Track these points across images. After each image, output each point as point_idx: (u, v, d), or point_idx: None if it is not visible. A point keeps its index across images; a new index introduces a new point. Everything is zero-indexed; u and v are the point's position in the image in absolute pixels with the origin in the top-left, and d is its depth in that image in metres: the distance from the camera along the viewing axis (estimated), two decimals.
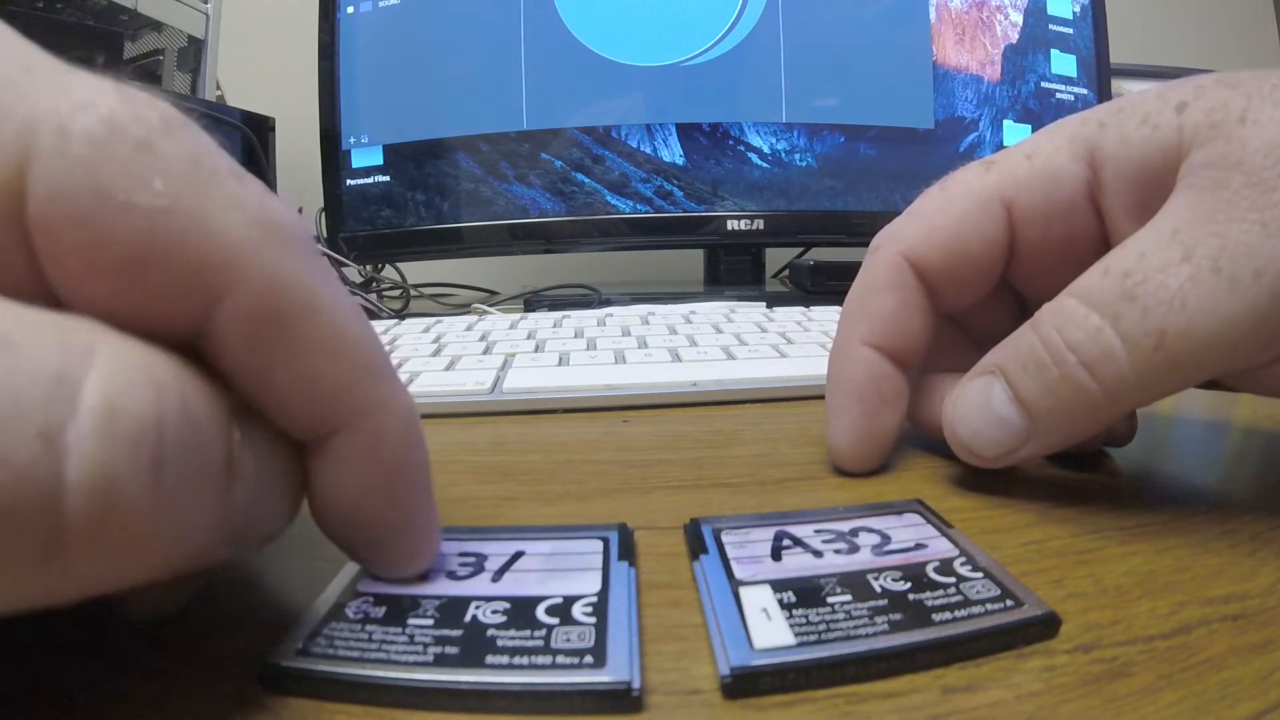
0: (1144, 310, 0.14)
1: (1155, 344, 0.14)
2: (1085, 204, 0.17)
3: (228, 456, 0.10)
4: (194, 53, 0.65)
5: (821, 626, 0.11)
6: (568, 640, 0.11)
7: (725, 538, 0.15)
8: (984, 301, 0.20)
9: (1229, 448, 0.19)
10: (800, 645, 0.11)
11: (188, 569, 0.10)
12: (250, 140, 0.63)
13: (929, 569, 0.13)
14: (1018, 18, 0.59)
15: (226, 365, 0.10)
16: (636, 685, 0.10)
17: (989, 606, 0.12)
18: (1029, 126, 0.60)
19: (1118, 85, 0.64)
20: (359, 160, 0.60)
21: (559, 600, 0.12)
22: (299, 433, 0.11)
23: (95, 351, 0.08)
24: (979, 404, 0.17)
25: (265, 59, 0.82)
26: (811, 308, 0.43)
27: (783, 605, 0.12)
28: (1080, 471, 0.19)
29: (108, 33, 0.55)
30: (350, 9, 0.60)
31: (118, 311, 0.09)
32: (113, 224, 0.09)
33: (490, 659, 0.11)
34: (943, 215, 0.19)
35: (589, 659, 0.11)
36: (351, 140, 0.60)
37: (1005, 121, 0.59)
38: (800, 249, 0.68)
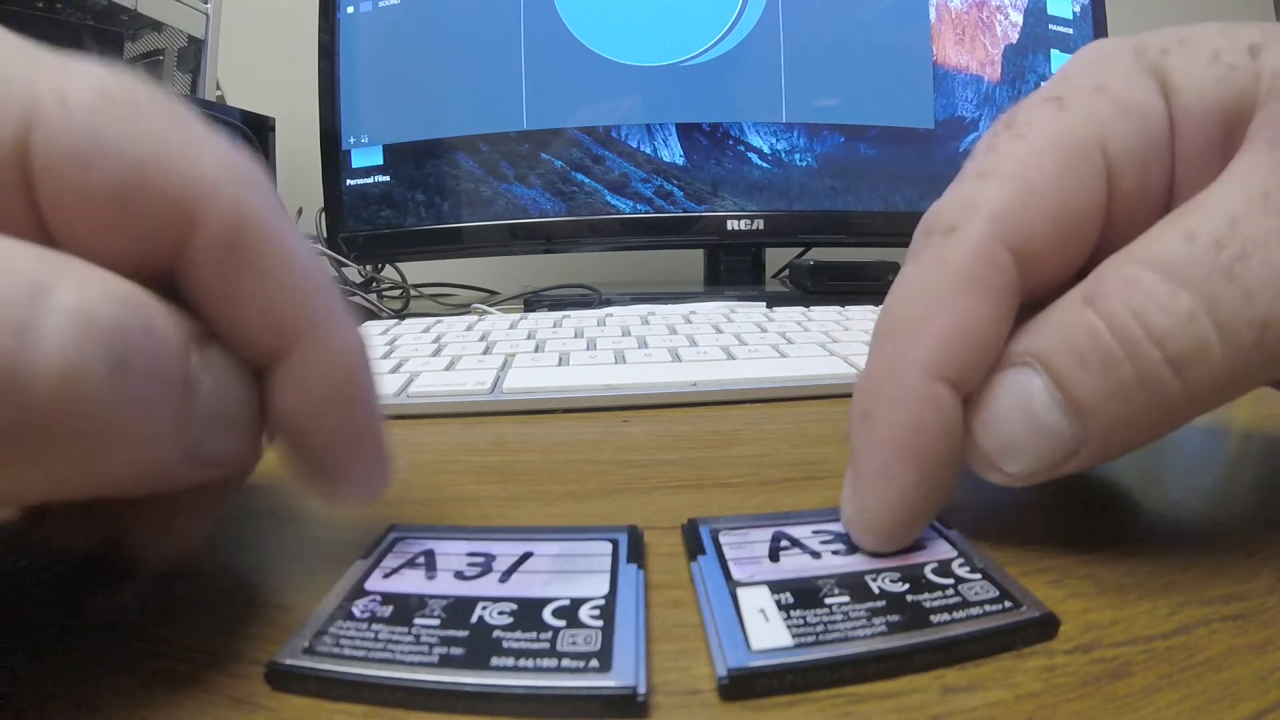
0: (1246, 295, 0.11)
1: (1257, 338, 0.11)
2: (1169, 147, 0.14)
3: (185, 373, 0.11)
4: (194, 53, 0.65)
5: (819, 628, 0.11)
6: (574, 643, 0.11)
7: (723, 538, 0.14)
8: None
9: (1229, 448, 0.19)
10: (798, 646, 0.11)
11: (154, 485, 0.11)
12: (250, 140, 0.63)
13: (927, 570, 0.13)
14: (1018, 18, 0.59)
15: (195, 289, 0.12)
16: (642, 691, 0.10)
17: (987, 608, 0.12)
18: None
19: None
20: (359, 160, 0.60)
21: (566, 602, 0.12)
22: (257, 355, 0.12)
23: (68, 268, 0.10)
24: (1012, 407, 0.13)
25: (265, 59, 0.82)
26: (811, 308, 0.43)
27: (780, 606, 0.12)
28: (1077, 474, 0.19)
29: (108, 33, 0.55)
30: (350, 9, 0.60)
31: (108, 247, 0.11)
32: (108, 165, 0.10)
33: (496, 661, 0.11)
34: (1039, 173, 0.13)
35: (595, 663, 0.11)
36: (351, 140, 0.60)
37: None
38: (800, 249, 0.68)
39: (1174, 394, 0.12)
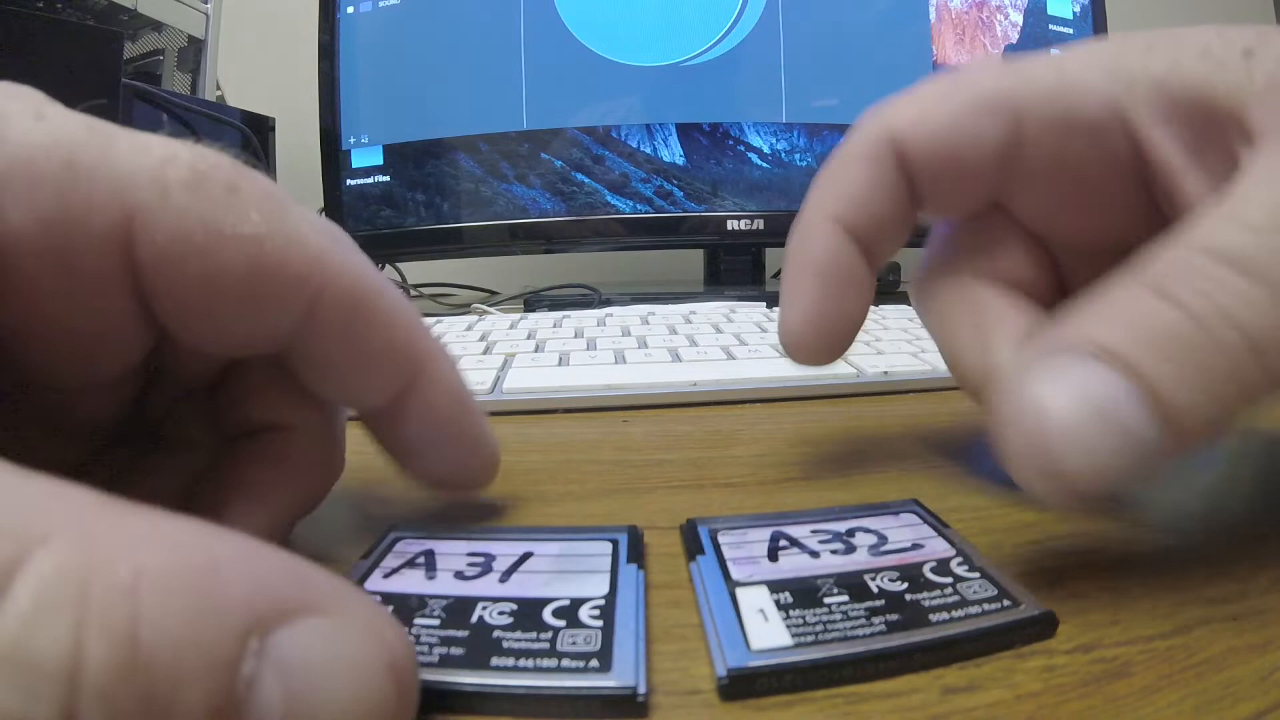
0: None
1: None
2: (1115, 127, 0.15)
3: (228, 688, 0.07)
4: (194, 53, 0.65)
5: (818, 627, 0.11)
6: (574, 643, 0.11)
7: (722, 538, 0.15)
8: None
9: (1229, 448, 0.19)
10: (797, 646, 0.11)
11: None
12: (250, 140, 0.63)
13: (926, 569, 0.13)
14: (1018, 18, 0.59)
15: (317, 353, 0.13)
16: (642, 690, 0.10)
17: (986, 606, 0.12)
18: None
19: None
20: (359, 160, 0.60)
21: (566, 602, 0.12)
22: (384, 398, 0.14)
23: (32, 553, 0.07)
24: (1083, 405, 0.11)
25: (265, 59, 0.82)
26: None
27: (779, 606, 0.12)
28: None
29: (108, 33, 0.55)
30: (350, 9, 0.60)
31: (225, 330, 0.12)
32: (227, 253, 0.11)
33: (496, 660, 0.11)
34: (941, 104, 0.16)
35: (594, 663, 0.11)
36: (351, 140, 0.60)
37: None
38: None
39: (1258, 383, 0.11)
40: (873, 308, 0.43)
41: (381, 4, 0.59)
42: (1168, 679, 0.11)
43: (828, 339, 0.17)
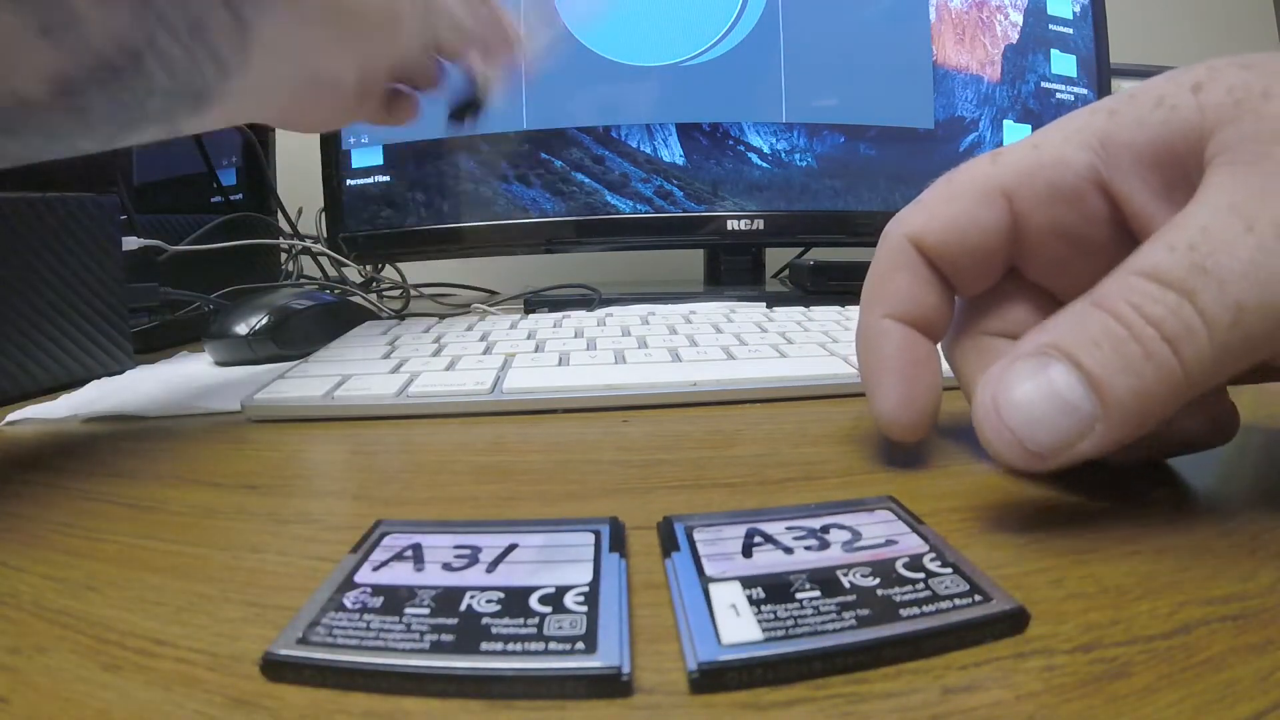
0: (1220, 284, 0.14)
1: (1233, 319, 0.14)
2: (1093, 191, 0.17)
3: None
4: None
5: (789, 622, 0.12)
6: (560, 628, 0.11)
7: (697, 535, 0.15)
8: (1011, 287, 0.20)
9: (1229, 448, 0.19)
10: (768, 640, 0.11)
11: None
12: (250, 140, 0.63)
13: (898, 565, 0.13)
14: (1018, 18, 0.59)
15: None
16: (626, 670, 0.11)
17: (957, 602, 0.12)
18: (1029, 126, 0.60)
19: (1117, 85, 0.64)
20: (359, 160, 0.60)
21: (551, 590, 0.13)
22: None
23: None
24: (1036, 386, 0.15)
25: None
26: (812, 308, 0.43)
27: (752, 601, 0.12)
28: (1077, 474, 0.19)
29: None
30: None
31: None
32: None
33: (485, 646, 0.11)
34: (944, 204, 0.19)
35: (580, 645, 0.11)
36: (351, 140, 0.60)
37: (1005, 121, 0.59)
38: (800, 249, 0.68)
39: (1175, 370, 0.14)
40: None
41: None
42: (1168, 679, 0.11)
43: (918, 415, 0.19)
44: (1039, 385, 0.15)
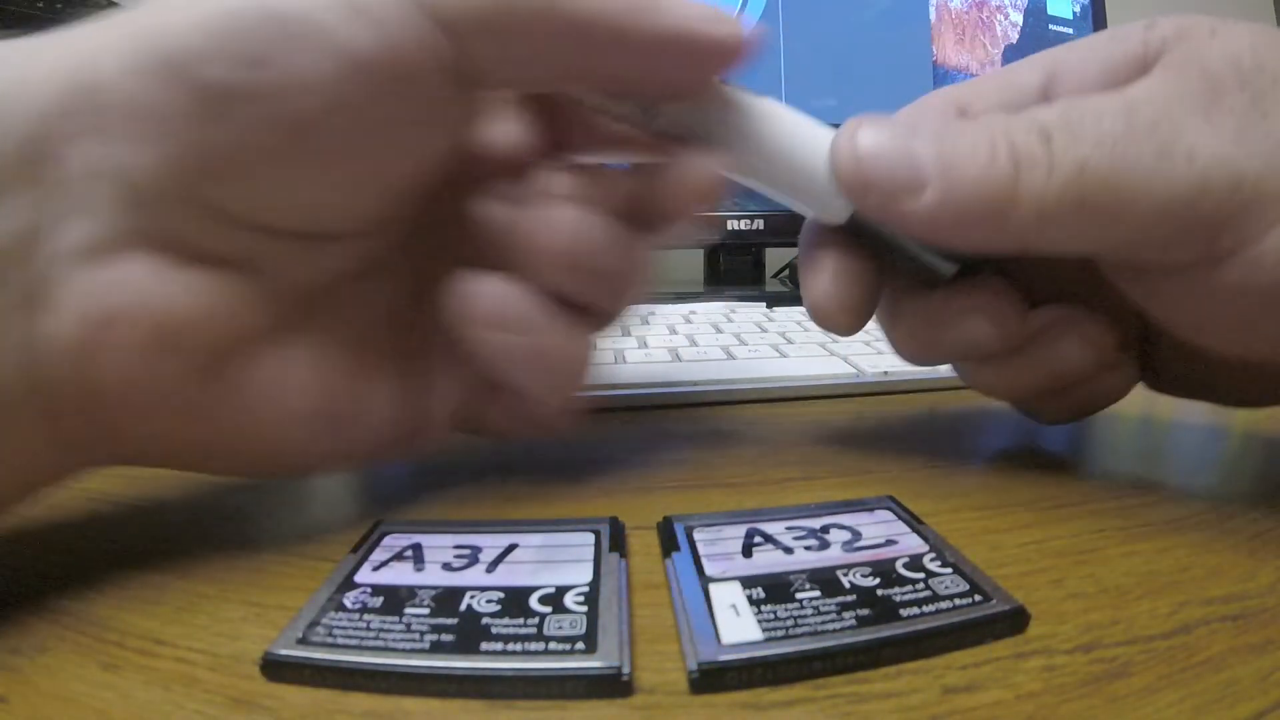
0: (1075, 140, 0.15)
1: (1078, 170, 0.14)
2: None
3: None
4: None
5: (789, 622, 0.12)
6: (560, 628, 0.11)
7: (697, 535, 0.15)
8: None
9: (1229, 448, 0.19)
10: (768, 640, 0.11)
11: None
12: None
13: (898, 565, 0.13)
14: (1018, 18, 0.59)
15: None
16: (626, 670, 0.11)
17: (957, 601, 0.12)
18: None
19: None
20: None
21: (551, 590, 0.13)
22: None
23: None
24: (894, 137, 0.16)
25: None
26: None
27: (751, 601, 0.12)
28: (1078, 474, 0.19)
29: None
30: None
31: None
32: None
33: (485, 646, 0.11)
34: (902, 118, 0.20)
35: (580, 645, 0.11)
36: None
37: None
38: None
39: (1009, 185, 0.15)
40: None
41: None
42: (1168, 679, 0.11)
43: (852, 311, 0.20)
44: (899, 138, 0.16)
